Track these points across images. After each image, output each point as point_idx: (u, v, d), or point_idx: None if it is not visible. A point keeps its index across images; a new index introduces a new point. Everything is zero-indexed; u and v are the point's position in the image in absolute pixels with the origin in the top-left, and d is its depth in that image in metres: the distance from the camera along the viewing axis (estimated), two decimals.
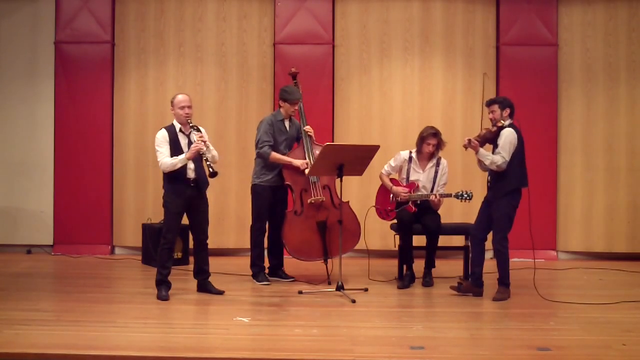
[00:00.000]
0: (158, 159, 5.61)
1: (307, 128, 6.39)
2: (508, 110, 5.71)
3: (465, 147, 5.73)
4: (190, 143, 5.67)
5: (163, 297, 5.62)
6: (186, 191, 5.67)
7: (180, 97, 5.69)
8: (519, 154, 5.64)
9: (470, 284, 5.86)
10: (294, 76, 6.55)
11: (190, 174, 5.65)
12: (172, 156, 5.60)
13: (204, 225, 5.83)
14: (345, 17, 8.04)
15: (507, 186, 5.64)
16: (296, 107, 6.34)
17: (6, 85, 8.05)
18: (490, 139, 5.74)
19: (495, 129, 5.68)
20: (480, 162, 5.82)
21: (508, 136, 5.60)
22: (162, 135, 5.63)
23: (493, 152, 5.74)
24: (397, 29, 8.04)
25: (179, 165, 5.58)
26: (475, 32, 8.04)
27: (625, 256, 7.89)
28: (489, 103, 5.79)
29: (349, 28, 8.05)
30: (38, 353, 4.16)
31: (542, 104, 7.92)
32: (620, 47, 7.99)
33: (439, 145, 6.33)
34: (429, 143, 6.28)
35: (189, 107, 5.66)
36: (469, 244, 6.04)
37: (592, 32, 8.00)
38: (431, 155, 6.36)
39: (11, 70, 8.05)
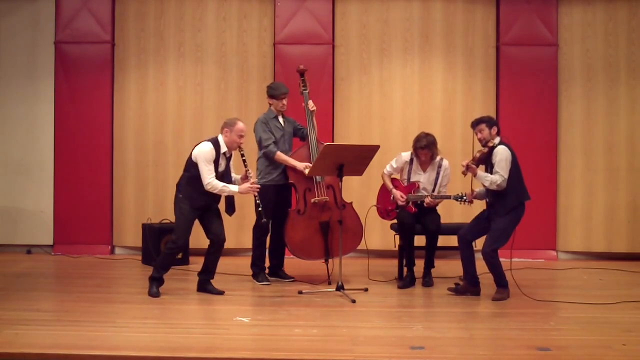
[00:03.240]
0: (206, 177, 5.56)
1: (310, 104, 6.35)
2: (495, 129, 5.69)
3: (464, 173, 5.69)
4: (226, 166, 5.76)
5: (154, 293, 5.67)
6: (204, 199, 5.70)
7: (241, 125, 5.70)
8: (515, 169, 5.62)
9: (466, 285, 5.87)
10: (302, 73, 6.51)
11: None
12: None
13: (219, 229, 5.79)
14: (345, 17, 8.04)
15: (508, 204, 5.62)
16: (285, 102, 6.31)
17: (6, 85, 8.05)
18: (484, 159, 5.71)
19: (487, 149, 5.65)
20: (476, 196, 5.85)
21: (503, 154, 5.57)
22: (211, 153, 5.61)
23: (486, 171, 5.73)
24: (397, 29, 8.04)
25: (226, 193, 5.67)
26: (475, 32, 8.04)
27: (625, 256, 7.89)
28: (475, 124, 5.74)
29: (349, 28, 8.05)
30: (38, 353, 4.16)
31: (542, 104, 7.92)
32: (620, 47, 7.99)
33: (433, 154, 6.29)
34: (421, 154, 6.28)
35: (244, 137, 5.73)
36: (458, 245, 5.99)
37: (592, 32, 8.00)
38: (430, 160, 6.35)
39: (11, 70, 8.05)
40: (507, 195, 5.61)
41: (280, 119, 6.37)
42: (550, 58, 7.94)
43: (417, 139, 6.28)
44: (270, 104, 6.37)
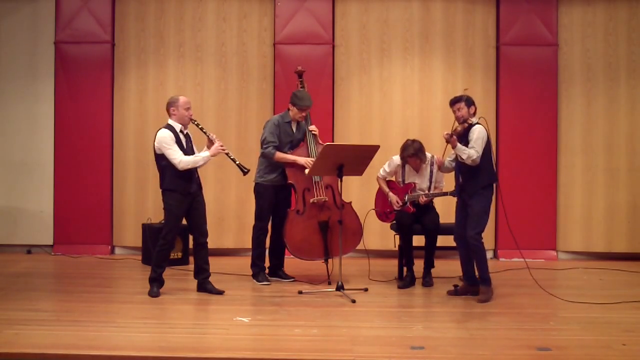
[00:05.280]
0: (174, 157, 5.61)
1: (312, 127, 6.39)
2: (474, 108, 5.78)
3: (447, 140, 5.75)
4: (187, 143, 5.78)
5: (154, 293, 5.69)
6: (190, 193, 5.71)
7: (184, 98, 5.78)
8: (488, 150, 5.70)
9: (465, 285, 5.87)
10: (300, 74, 6.52)
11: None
12: None
13: (203, 226, 5.85)
14: (345, 17, 8.04)
15: (479, 182, 5.67)
16: (304, 114, 6.30)
17: (6, 85, 8.05)
18: (462, 135, 5.77)
19: (466, 125, 5.74)
20: (441, 166, 6.04)
21: (480, 132, 5.65)
22: (170, 136, 5.66)
23: None
24: (397, 29, 8.04)
25: (201, 162, 5.69)
26: (475, 32, 8.04)
27: (625, 256, 7.89)
28: (454, 102, 5.81)
29: (349, 28, 8.05)
30: (38, 353, 4.16)
31: (542, 104, 7.92)
32: (620, 47, 7.99)
33: (421, 160, 6.29)
34: (410, 162, 6.31)
35: (191, 108, 5.81)
36: (456, 245, 6.00)
37: (592, 32, 8.00)
38: (420, 164, 6.36)
39: (11, 70, 8.05)
40: (478, 174, 5.67)
41: (293, 125, 6.37)
42: (550, 58, 7.94)
43: (404, 148, 6.30)
44: (289, 109, 6.35)
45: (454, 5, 8.03)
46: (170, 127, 5.72)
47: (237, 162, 5.77)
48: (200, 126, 5.81)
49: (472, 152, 5.61)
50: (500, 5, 7.97)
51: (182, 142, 5.71)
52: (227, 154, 5.78)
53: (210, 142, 5.83)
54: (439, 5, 8.03)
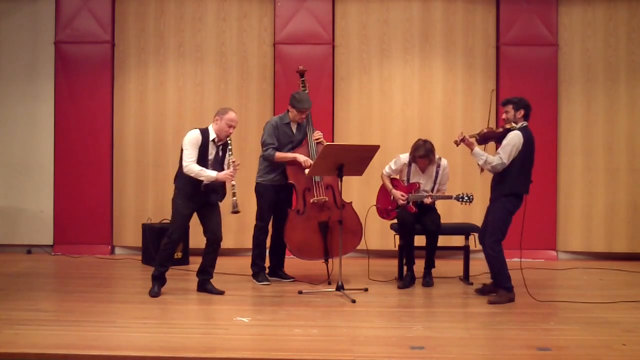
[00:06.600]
0: (185, 159, 5.59)
1: (317, 135, 6.36)
2: (522, 112, 5.55)
3: (457, 143, 5.65)
4: (217, 154, 5.71)
5: (155, 293, 5.68)
6: (199, 194, 5.68)
7: (233, 115, 5.69)
8: (522, 158, 5.47)
9: (491, 285, 5.81)
10: (301, 74, 6.51)
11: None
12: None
13: (216, 227, 5.78)
14: (345, 17, 8.04)
15: (500, 190, 5.56)
16: (303, 116, 6.29)
17: (6, 85, 8.05)
18: (495, 138, 5.65)
19: (501, 129, 5.58)
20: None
21: (513, 138, 5.44)
22: (196, 138, 5.62)
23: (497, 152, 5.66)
24: (397, 29, 8.04)
25: (203, 178, 5.59)
26: (475, 32, 8.04)
27: (625, 256, 7.90)
28: (505, 103, 5.64)
29: (349, 28, 8.05)
30: (38, 353, 4.16)
31: (542, 104, 7.89)
32: (620, 47, 7.99)
33: (431, 161, 6.24)
34: (419, 162, 6.26)
35: (235, 127, 5.71)
36: (481, 247, 5.94)
37: (592, 32, 8.00)
38: (428, 165, 6.35)
39: (11, 70, 8.06)
40: (503, 180, 5.52)
41: (293, 127, 6.36)
42: (550, 58, 7.94)
43: (415, 148, 6.24)
44: (289, 110, 6.36)
45: (454, 5, 8.03)
46: (204, 131, 5.67)
47: (234, 199, 5.63)
48: (229, 147, 5.73)
49: (492, 159, 5.46)
50: (500, 5, 7.98)
51: (207, 150, 5.66)
52: (232, 185, 5.65)
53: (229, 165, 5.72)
54: (439, 5, 8.03)
